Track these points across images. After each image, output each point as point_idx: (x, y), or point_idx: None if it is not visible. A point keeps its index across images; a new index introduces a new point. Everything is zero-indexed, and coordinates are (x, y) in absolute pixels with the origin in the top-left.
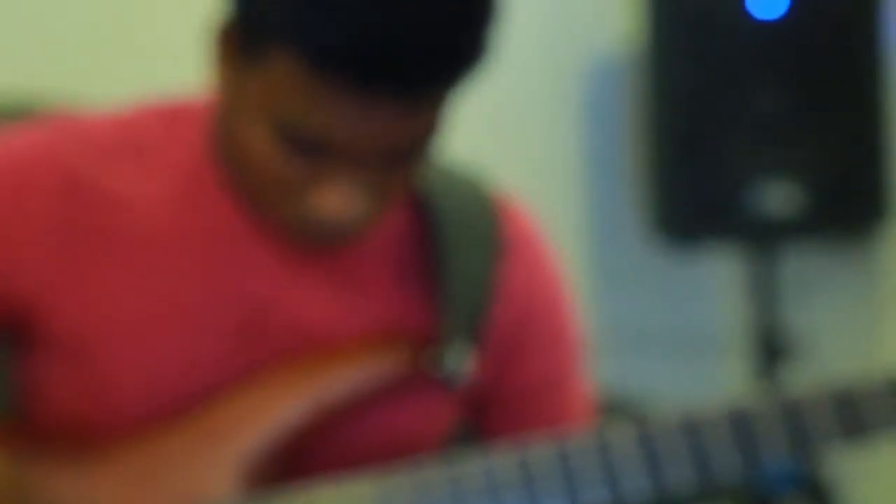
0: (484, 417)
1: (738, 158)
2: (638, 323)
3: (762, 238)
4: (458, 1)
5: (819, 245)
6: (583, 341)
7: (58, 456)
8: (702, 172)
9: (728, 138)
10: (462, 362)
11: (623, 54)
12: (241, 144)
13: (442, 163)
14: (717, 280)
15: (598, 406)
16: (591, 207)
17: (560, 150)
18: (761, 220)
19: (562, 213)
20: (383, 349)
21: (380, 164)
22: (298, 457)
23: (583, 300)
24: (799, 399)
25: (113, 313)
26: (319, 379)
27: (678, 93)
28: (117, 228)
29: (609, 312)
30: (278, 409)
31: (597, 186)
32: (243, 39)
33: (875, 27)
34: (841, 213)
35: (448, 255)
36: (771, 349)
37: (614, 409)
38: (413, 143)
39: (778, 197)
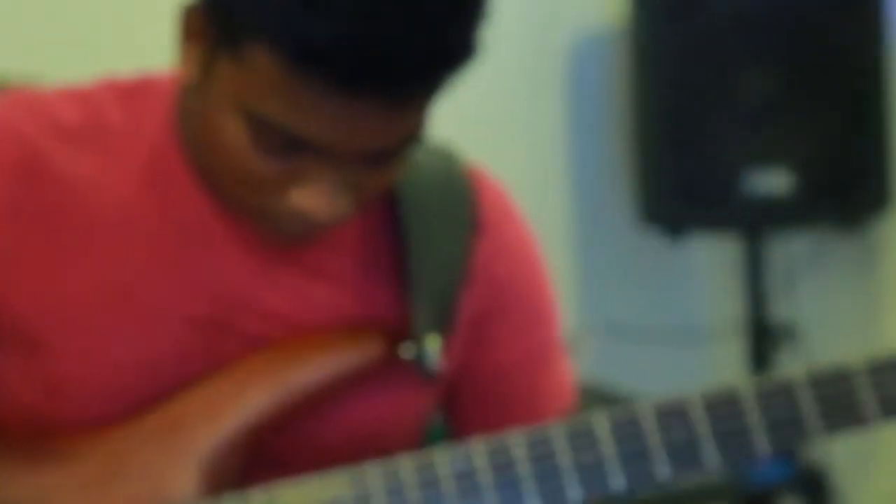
0: (457, 401)
1: (728, 143)
2: (627, 313)
3: (753, 225)
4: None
5: (812, 232)
6: (563, 323)
7: (14, 455)
8: (690, 155)
9: (717, 121)
10: (435, 350)
11: (607, 32)
12: (211, 131)
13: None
14: (707, 268)
15: (585, 397)
16: (577, 196)
17: (543, 132)
18: (752, 207)
19: (546, 200)
20: (353, 339)
21: (362, 164)
22: (270, 450)
23: (570, 290)
24: (778, 380)
25: (69, 304)
26: (287, 370)
27: (664, 72)
28: (75, 212)
29: (597, 302)
30: (242, 403)
31: (581, 171)
32: (218, 23)
33: (869, 4)
34: (834, 200)
35: (418, 242)
36: (763, 339)
37: (602, 399)
38: (398, 144)
39: (769, 183)
